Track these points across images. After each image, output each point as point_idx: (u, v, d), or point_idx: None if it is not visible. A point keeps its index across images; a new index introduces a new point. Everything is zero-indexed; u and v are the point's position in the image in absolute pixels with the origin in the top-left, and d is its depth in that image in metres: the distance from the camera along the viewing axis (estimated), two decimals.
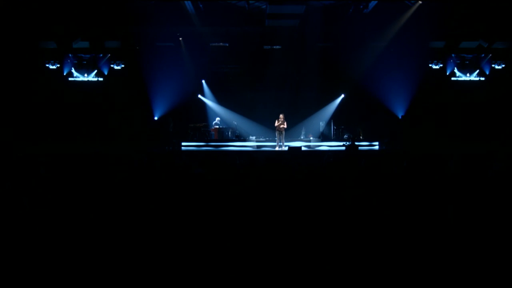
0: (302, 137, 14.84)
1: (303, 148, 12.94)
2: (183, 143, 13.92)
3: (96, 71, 15.04)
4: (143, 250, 3.02)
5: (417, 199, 3.77)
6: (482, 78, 15.18)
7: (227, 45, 14.67)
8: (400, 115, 15.09)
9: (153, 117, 15.06)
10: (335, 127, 15.20)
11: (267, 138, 14.43)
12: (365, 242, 3.05)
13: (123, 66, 14.88)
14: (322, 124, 15.41)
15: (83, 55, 14.91)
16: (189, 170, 5.50)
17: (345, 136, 14.46)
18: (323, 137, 15.07)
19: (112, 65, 14.89)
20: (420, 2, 12.61)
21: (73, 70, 14.97)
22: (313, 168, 6.40)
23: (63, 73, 14.84)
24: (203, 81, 15.85)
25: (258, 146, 13.81)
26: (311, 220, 3.61)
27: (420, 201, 3.70)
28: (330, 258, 2.84)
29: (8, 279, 2.59)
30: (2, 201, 3.90)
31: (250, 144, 13.93)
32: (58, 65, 14.63)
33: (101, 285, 2.62)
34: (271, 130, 14.13)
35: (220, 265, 2.75)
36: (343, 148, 12.81)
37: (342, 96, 15.58)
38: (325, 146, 13.93)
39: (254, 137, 14.64)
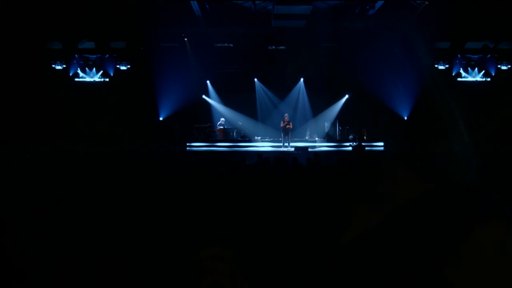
0: (307, 138, 14.80)
1: (309, 149, 12.90)
2: (188, 144, 13.92)
3: (101, 71, 15.06)
4: (158, 248, 3.01)
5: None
6: (488, 79, 15.16)
7: (232, 45, 14.66)
8: (405, 115, 15.03)
9: (159, 117, 15.06)
10: (340, 128, 15.15)
11: (273, 139, 14.41)
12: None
13: (128, 66, 14.90)
14: (327, 125, 15.36)
15: (89, 56, 14.94)
16: (211, 170, 5.52)
17: (350, 137, 14.42)
18: (328, 138, 15.02)
19: (117, 66, 14.91)
20: (426, 2, 12.60)
21: (79, 71, 14.99)
22: (324, 168, 6.39)
23: (69, 74, 14.87)
24: (208, 82, 15.86)
25: (264, 147, 13.79)
26: (325, 219, 3.59)
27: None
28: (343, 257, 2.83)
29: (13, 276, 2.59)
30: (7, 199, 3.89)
31: (256, 145, 13.91)
32: (64, 66, 14.66)
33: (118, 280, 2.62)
34: (275, 130, 14.09)
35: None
36: (350, 148, 12.77)
37: (347, 96, 15.52)
38: (331, 146, 13.89)
39: (260, 137, 14.61)
